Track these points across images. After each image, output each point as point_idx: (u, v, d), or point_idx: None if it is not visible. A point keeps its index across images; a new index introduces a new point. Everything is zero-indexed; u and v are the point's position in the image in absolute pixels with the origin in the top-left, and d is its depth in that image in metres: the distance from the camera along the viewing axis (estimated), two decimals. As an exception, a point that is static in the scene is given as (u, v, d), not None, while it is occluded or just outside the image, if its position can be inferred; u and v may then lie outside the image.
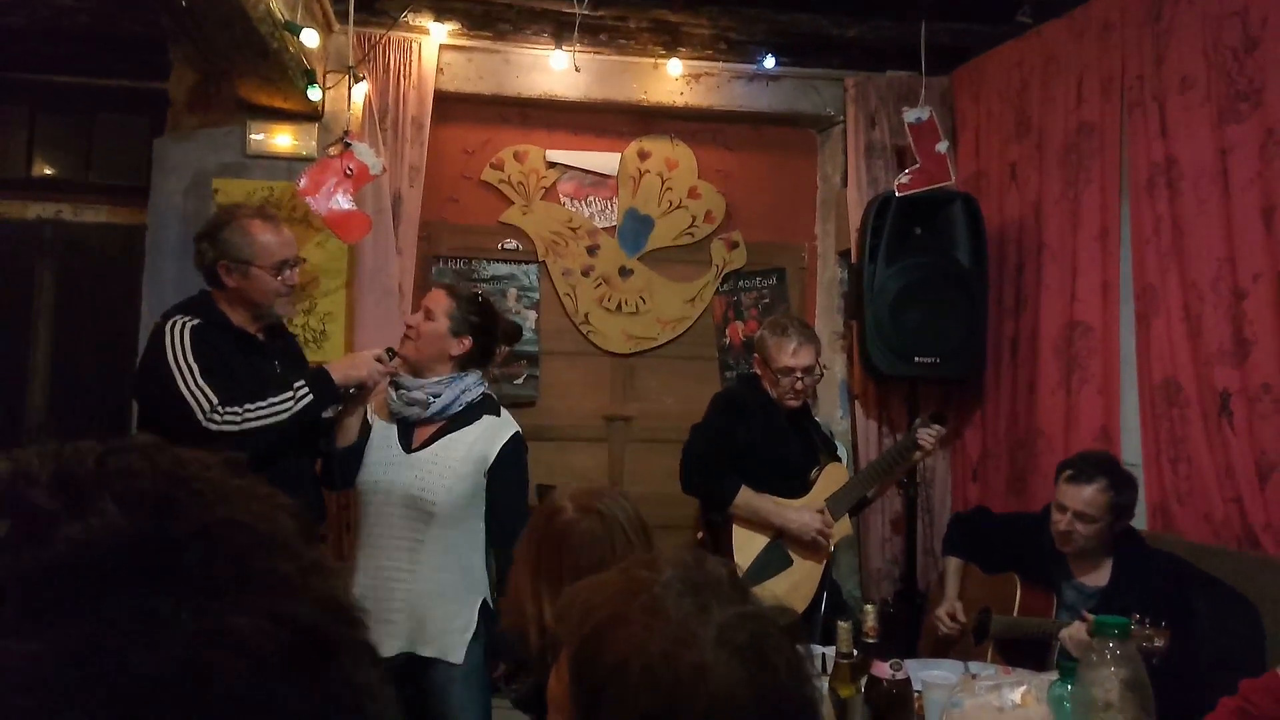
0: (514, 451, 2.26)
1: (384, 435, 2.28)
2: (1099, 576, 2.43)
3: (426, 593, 2.16)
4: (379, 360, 2.24)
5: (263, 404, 2.08)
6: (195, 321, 2.15)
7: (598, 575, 0.87)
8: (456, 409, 2.25)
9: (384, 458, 2.24)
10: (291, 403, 2.10)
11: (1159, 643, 2.03)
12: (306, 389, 2.13)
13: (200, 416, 2.03)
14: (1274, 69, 2.50)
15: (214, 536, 0.31)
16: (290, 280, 2.24)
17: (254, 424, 2.05)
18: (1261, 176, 2.53)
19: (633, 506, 1.41)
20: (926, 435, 2.78)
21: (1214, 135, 2.67)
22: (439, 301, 2.28)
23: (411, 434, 2.27)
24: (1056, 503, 2.44)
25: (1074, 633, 2.22)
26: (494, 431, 2.25)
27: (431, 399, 2.23)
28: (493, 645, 2.18)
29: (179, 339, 2.09)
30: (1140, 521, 2.75)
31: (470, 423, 2.25)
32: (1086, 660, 1.35)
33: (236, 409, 2.05)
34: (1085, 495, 2.37)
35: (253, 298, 2.21)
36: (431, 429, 2.26)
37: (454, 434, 2.23)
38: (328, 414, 2.26)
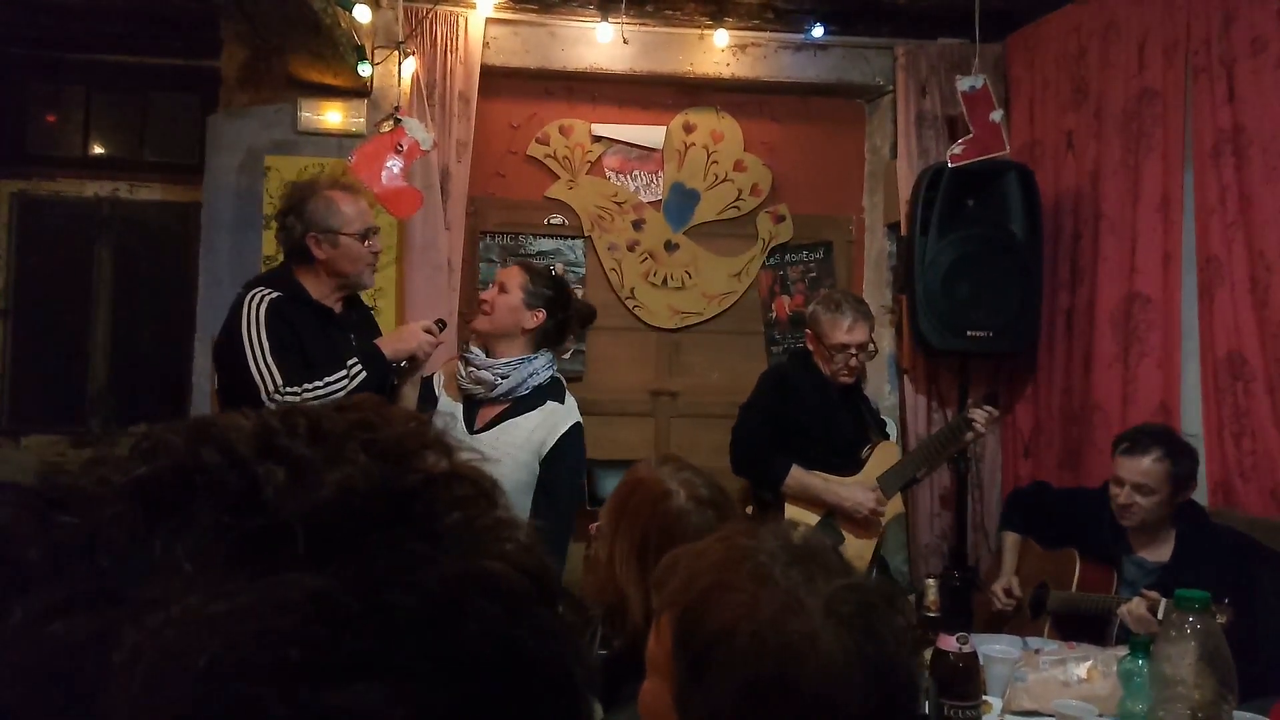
0: (571, 445, 2.23)
1: (450, 413, 2.29)
2: (1161, 552, 2.39)
3: None
4: (428, 331, 2.26)
5: (319, 383, 2.11)
6: (274, 295, 2.17)
7: (698, 543, 0.87)
8: (523, 392, 2.24)
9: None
10: (346, 380, 2.13)
11: (1221, 619, 2.00)
12: (360, 366, 2.15)
13: (264, 395, 2.08)
14: (1352, 30, 2.41)
15: (444, 486, 0.33)
16: (375, 247, 2.27)
17: (312, 403, 2.11)
18: (1336, 142, 2.45)
19: (719, 484, 1.41)
20: (980, 414, 2.75)
21: (1286, 100, 2.58)
22: (513, 275, 2.30)
23: (476, 413, 2.27)
24: (1114, 476, 2.40)
25: (1133, 609, 2.19)
26: (555, 420, 2.23)
27: (499, 380, 2.22)
28: None
29: (255, 314, 2.12)
30: (1201, 497, 2.70)
31: (534, 408, 2.23)
32: (1164, 635, 1.33)
33: (296, 388, 2.09)
34: (1142, 466, 2.33)
35: (342, 267, 2.22)
36: (496, 410, 2.26)
37: (515, 418, 2.22)
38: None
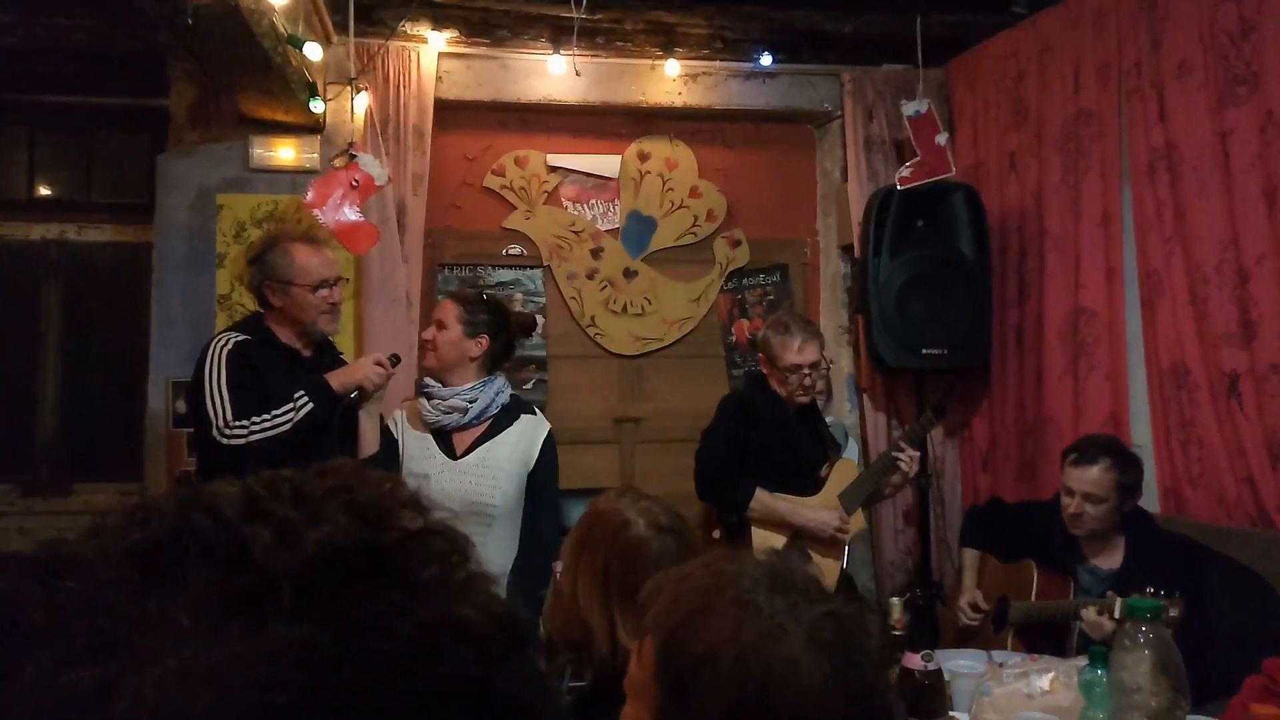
0: (552, 449, 2.39)
1: (421, 446, 2.32)
2: (1113, 559, 2.45)
3: None
4: (379, 365, 2.31)
5: (267, 417, 2.17)
6: (242, 338, 2.26)
7: (680, 568, 0.89)
8: (494, 411, 2.33)
9: (429, 468, 2.28)
10: (293, 413, 2.19)
11: (1173, 612, 2.05)
12: (306, 398, 2.21)
13: (214, 430, 2.15)
14: (1271, 52, 2.53)
15: (419, 541, 0.36)
16: (331, 298, 2.34)
17: (259, 436, 2.15)
18: (1262, 158, 2.55)
19: (678, 512, 1.42)
20: (904, 458, 2.81)
21: (1213, 119, 2.69)
22: (448, 310, 2.36)
23: (451, 441, 2.33)
24: (1064, 486, 2.47)
25: (1088, 616, 2.24)
26: (534, 430, 2.37)
27: (469, 405, 2.30)
28: None
29: (217, 355, 2.21)
30: (1152, 505, 2.78)
31: (511, 423, 2.35)
32: (1119, 644, 1.37)
33: (244, 423, 2.16)
34: (1090, 476, 2.40)
35: (296, 315, 2.31)
36: (473, 434, 2.33)
37: (498, 436, 2.32)
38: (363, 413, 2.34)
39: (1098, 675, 1.56)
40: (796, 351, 2.76)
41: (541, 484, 2.34)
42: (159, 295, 3.38)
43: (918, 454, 2.88)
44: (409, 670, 0.31)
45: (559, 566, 1.46)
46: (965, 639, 2.66)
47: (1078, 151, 3.20)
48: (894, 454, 2.84)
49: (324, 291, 2.31)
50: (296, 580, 0.32)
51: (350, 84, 3.34)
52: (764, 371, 2.88)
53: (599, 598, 1.34)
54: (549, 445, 2.37)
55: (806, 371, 2.78)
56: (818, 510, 2.75)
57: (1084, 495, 2.40)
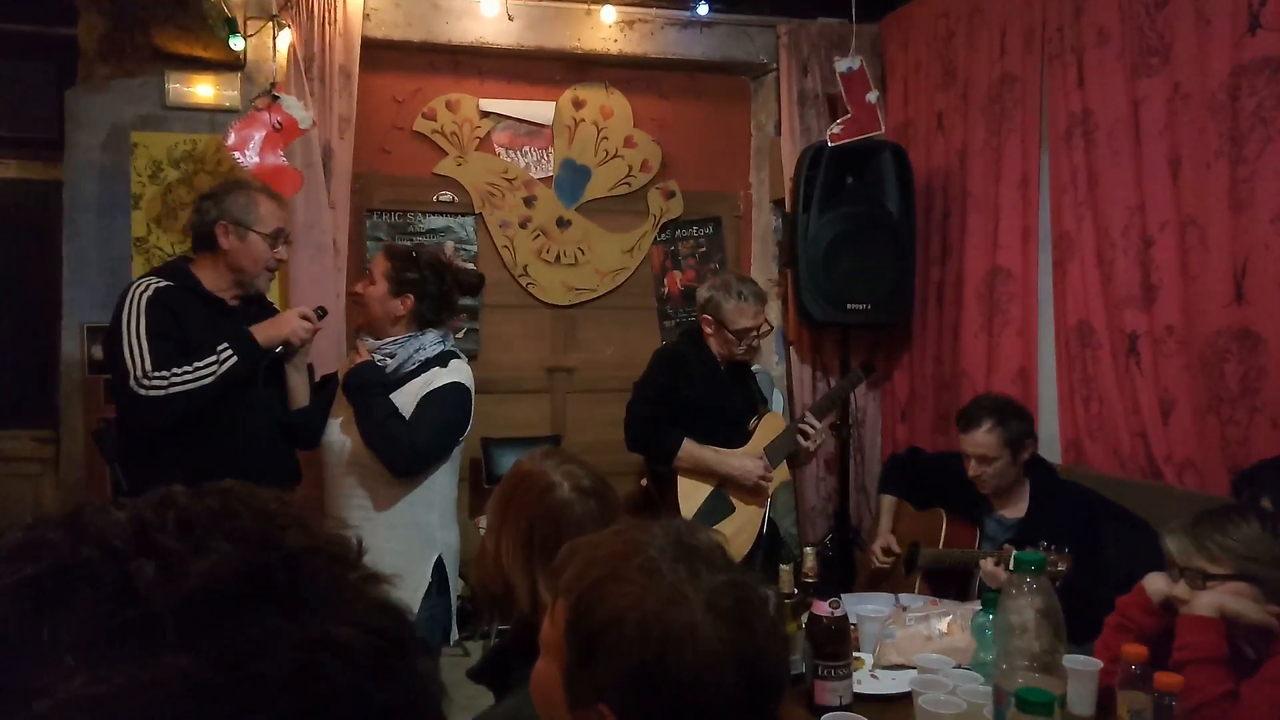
0: (444, 392, 2.20)
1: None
2: (1017, 509, 2.59)
3: (376, 549, 2.17)
4: (305, 318, 2.28)
5: (188, 368, 2.12)
6: (163, 284, 2.19)
7: (595, 534, 0.94)
8: (410, 367, 2.25)
9: (342, 420, 2.26)
10: (216, 365, 2.14)
11: (1061, 567, 2.20)
12: (230, 351, 2.16)
13: (132, 380, 2.10)
14: (1182, 24, 2.61)
15: (302, 561, 0.37)
16: (281, 255, 2.30)
17: (180, 388, 2.10)
18: (1169, 129, 2.66)
19: (601, 474, 1.46)
20: (809, 429, 2.88)
21: (1127, 88, 2.78)
22: (378, 264, 2.29)
23: None
24: (961, 452, 2.56)
25: (986, 567, 2.38)
26: (432, 379, 2.23)
27: (386, 360, 2.24)
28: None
29: (137, 301, 2.14)
30: (1054, 456, 2.94)
31: (415, 378, 2.24)
32: (1006, 592, 1.48)
33: (164, 373, 2.10)
34: (977, 439, 2.49)
35: (242, 262, 2.25)
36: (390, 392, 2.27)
37: (397, 391, 2.23)
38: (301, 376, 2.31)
39: (989, 619, 1.68)
40: (752, 316, 2.82)
41: (416, 412, 2.18)
42: (71, 237, 3.26)
43: (822, 426, 2.95)
44: (288, 690, 0.34)
45: (482, 521, 1.49)
46: (878, 581, 2.80)
47: (1001, 114, 3.28)
48: (801, 425, 2.91)
49: (278, 246, 2.27)
50: (180, 612, 0.33)
51: (272, 20, 3.22)
52: (706, 331, 2.90)
53: (522, 558, 1.38)
54: (444, 388, 2.20)
55: (755, 334, 2.85)
56: (742, 460, 2.83)
57: (977, 458, 2.50)
